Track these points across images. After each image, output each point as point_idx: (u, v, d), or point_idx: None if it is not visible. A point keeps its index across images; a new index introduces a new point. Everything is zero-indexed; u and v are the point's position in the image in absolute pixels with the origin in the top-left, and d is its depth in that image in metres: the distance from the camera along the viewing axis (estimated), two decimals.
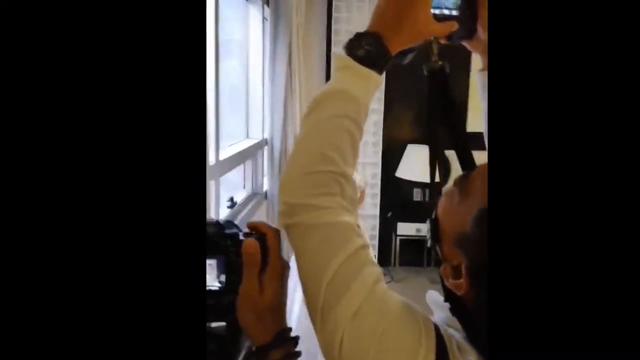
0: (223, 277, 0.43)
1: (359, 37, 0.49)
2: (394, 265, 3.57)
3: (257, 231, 0.46)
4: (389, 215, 3.52)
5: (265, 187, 2.77)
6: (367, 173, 3.42)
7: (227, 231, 0.45)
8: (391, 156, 3.42)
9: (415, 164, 3.19)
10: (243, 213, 2.15)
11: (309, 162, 0.46)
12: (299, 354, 0.44)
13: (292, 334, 0.46)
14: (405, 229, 3.39)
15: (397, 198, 3.52)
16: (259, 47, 2.61)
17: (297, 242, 0.45)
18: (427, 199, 3.39)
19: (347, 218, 0.45)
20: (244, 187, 2.61)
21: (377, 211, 3.48)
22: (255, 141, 2.52)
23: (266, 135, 2.71)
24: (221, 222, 0.46)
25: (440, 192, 0.53)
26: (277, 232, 0.47)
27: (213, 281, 0.43)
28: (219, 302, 0.44)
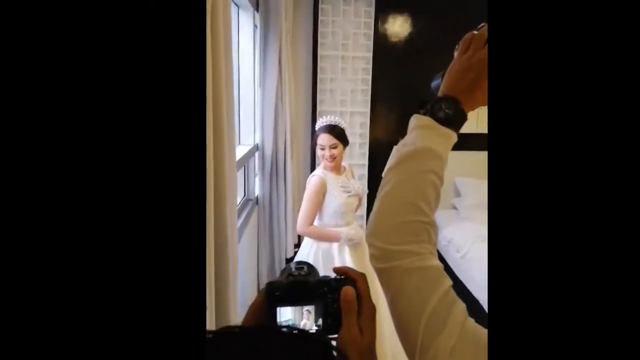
0: (320, 321, 0.46)
1: (438, 100, 0.56)
2: None
3: (346, 276, 0.49)
4: None
5: (257, 192, 2.77)
6: (354, 173, 3.47)
7: (321, 278, 0.48)
8: (377, 157, 3.48)
9: None
10: (240, 220, 2.16)
11: (403, 212, 0.52)
12: None
13: None
14: None
15: None
16: (250, 54, 2.61)
17: (394, 284, 0.50)
18: None
19: (435, 262, 0.50)
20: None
21: (364, 211, 3.54)
22: (248, 147, 2.52)
23: (257, 141, 2.72)
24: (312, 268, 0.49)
25: None
26: (365, 277, 0.50)
27: (312, 325, 0.46)
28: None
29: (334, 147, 2.01)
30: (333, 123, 2.03)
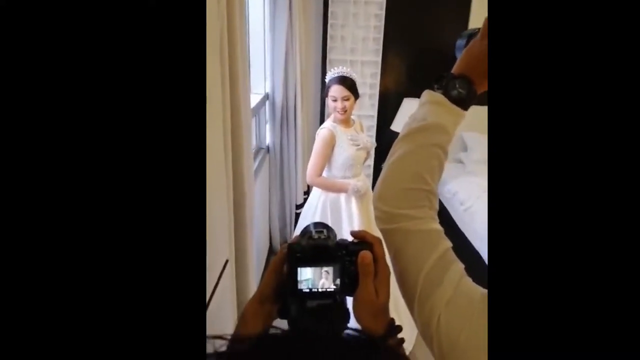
0: (338, 281, 0.50)
1: (452, 78, 0.59)
2: None
3: (363, 240, 0.54)
4: (382, 166, 3.63)
5: (268, 141, 2.81)
6: (363, 125, 3.47)
7: (340, 241, 0.52)
8: (387, 108, 3.46)
9: None
10: (252, 169, 2.21)
11: (408, 180, 0.56)
12: (403, 339, 0.52)
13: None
14: None
15: None
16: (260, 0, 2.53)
17: (397, 243, 0.54)
18: None
19: (436, 226, 0.55)
20: None
21: (371, 161, 3.59)
22: (259, 97, 2.52)
23: (267, 90, 2.71)
24: (329, 229, 0.53)
25: None
26: (380, 241, 0.54)
27: (330, 284, 0.50)
28: (335, 300, 0.50)
29: (346, 99, 2.02)
30: (345, 74, 2.02)
